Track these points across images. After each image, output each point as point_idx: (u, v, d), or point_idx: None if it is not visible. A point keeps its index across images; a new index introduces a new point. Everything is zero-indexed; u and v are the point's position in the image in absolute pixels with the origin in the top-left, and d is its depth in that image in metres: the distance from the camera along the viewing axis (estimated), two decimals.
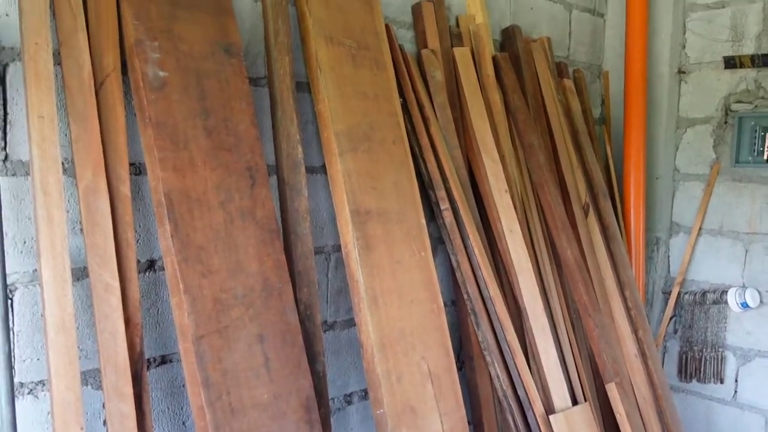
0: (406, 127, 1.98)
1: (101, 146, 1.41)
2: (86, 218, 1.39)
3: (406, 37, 2.16)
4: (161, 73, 1.47)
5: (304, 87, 1.86)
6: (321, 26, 1.80)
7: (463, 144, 2.17)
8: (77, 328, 1.38)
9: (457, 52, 2.22)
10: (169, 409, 1.64)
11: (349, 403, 2.05)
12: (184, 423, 1.67)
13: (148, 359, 1.58)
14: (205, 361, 1.42)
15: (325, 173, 1.83)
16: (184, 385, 1.61)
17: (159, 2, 1.50)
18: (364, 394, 2.05)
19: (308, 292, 1.70)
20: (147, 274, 1.59)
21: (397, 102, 1.96)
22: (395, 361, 1.74)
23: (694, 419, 2.92)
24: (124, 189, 1.44)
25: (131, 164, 1.50)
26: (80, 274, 1.45)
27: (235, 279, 1.50)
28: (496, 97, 2.27)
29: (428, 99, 2.08)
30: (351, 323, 2.00)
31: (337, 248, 1.93)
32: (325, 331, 1.95)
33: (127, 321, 1.41)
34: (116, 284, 1.39)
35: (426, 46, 2.13)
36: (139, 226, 1.57)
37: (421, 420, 1.75)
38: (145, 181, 1.55)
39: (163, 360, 1.63)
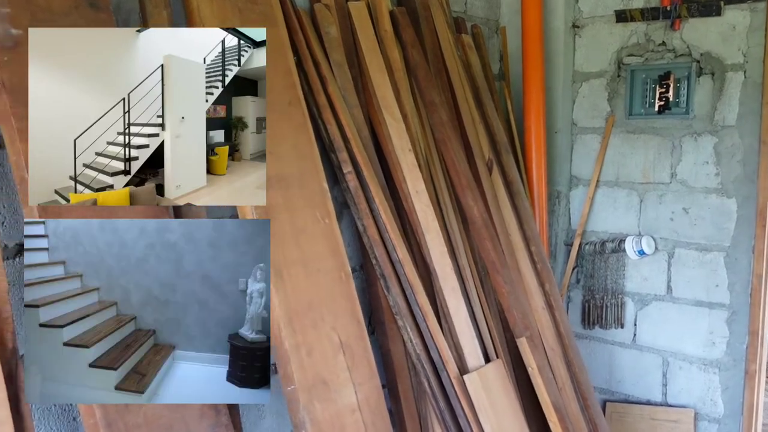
0: (302, 87, 1.86)
1: None
2: None
3: None
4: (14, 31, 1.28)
5: None
6: None
7: (363, 103, 2.07)
8: None
9: (353, 6, 2.11)
10: (56, 407, 1.49)
11: None
12: (74, 419, 1.52)
13: None
14: None
15: None
16: None
17: None
18: None
19: None
20: (17, 260, 1.41)
21: (291, 60, 1.83)
22: (304, 335, 1.65)
23: (598, 364, 3.04)
24: None
25: None
26: None
27: None
28: (395, 53, 2.18)
29: (324, 56, 1.97)
30: None
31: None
32: None
33: None
34: None
35: (318, 1, 2.01)
36: (3, 207, 1.38)
37: (335, 393, 1.68)
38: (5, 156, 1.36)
39: None
